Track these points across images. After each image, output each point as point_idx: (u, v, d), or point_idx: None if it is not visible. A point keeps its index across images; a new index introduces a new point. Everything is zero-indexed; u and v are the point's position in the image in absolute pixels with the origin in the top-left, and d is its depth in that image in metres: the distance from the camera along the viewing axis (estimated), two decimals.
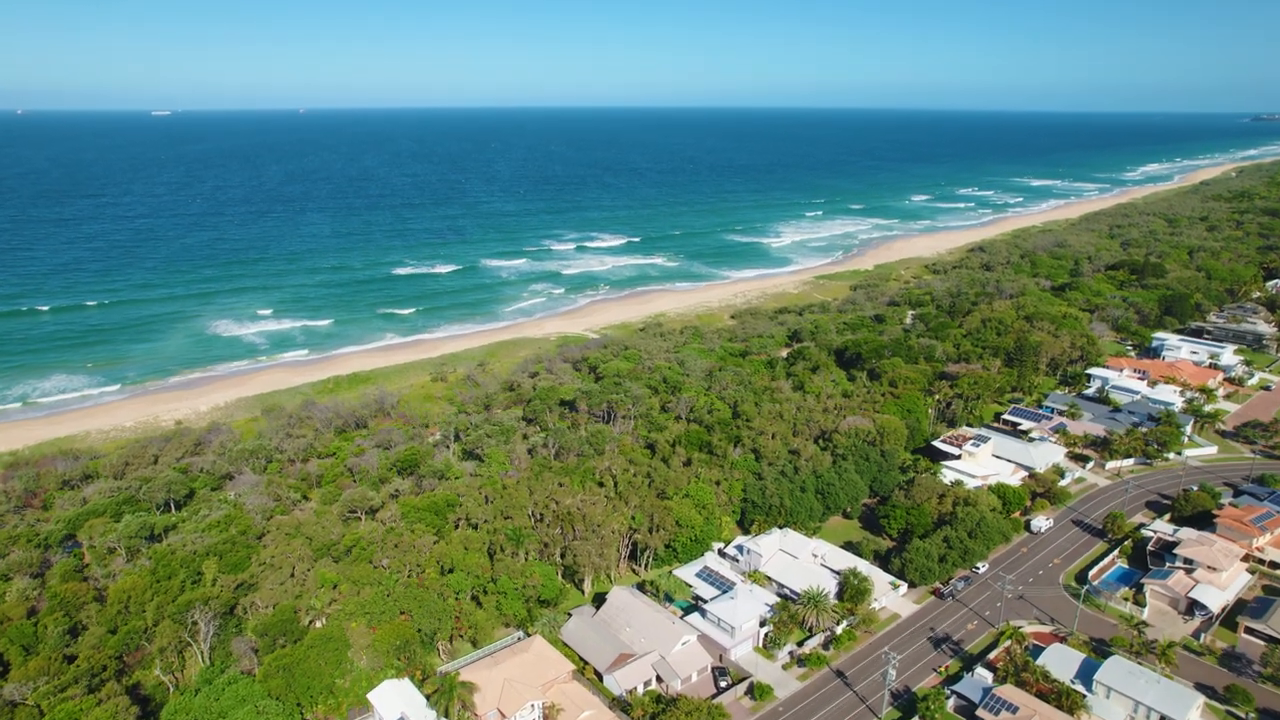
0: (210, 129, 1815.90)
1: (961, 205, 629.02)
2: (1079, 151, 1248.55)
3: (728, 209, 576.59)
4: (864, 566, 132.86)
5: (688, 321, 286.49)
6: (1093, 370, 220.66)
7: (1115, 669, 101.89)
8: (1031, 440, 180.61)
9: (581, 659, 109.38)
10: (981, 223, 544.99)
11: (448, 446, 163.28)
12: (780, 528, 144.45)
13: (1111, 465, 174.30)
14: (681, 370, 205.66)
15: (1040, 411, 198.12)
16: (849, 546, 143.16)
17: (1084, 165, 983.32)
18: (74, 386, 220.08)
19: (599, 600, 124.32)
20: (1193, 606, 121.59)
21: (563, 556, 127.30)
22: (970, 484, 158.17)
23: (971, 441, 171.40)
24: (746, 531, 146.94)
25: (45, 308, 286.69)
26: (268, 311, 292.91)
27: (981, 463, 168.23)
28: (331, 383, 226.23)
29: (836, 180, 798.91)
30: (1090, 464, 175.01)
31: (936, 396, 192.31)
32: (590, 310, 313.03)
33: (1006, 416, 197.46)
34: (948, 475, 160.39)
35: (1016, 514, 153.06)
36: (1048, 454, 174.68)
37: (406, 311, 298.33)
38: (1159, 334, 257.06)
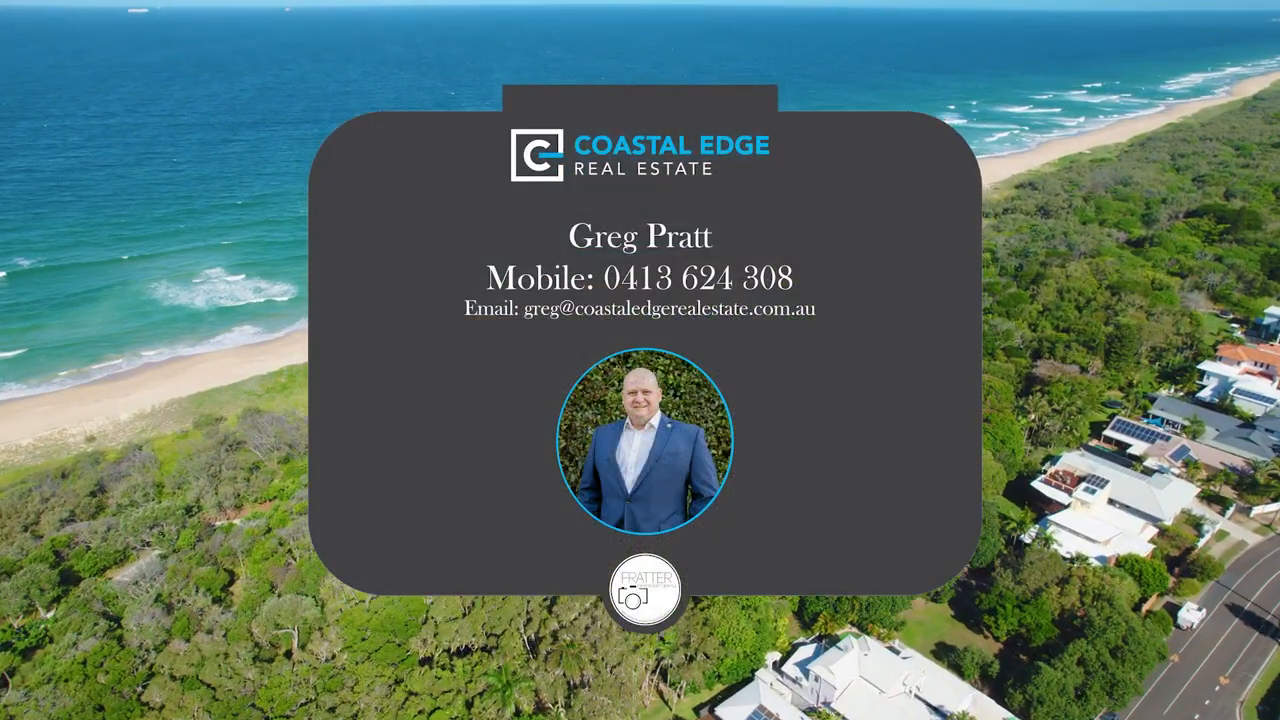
0: (186, 30, 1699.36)
1: (1002, 127, 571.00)
2: (1110, 59, 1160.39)
3: None
4: (971, 699, 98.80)
5: None
6: (1206, 365, 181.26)
7: None
8: (1150, 473, 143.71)
9: None
10: (1024, 149, 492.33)
11: None
12: (855, 625, 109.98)
13: (1259, 511, 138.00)
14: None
15: (1152, 426, 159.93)
16: (944, 651, 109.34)
17: (1119, 75, 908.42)
18: None
19: None
20: None
21: (568, 707, 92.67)
22: (1093, 554, 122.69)
23: (1084, 485, 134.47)
24: (807, 626, 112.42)
25: None
26: (218, 272, 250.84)
27: (1098, 515, 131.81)
28: (285, 376, 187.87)
29: (860, 94, 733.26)
30: (1232, 509, 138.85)
31: (1031, 416, 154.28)
32: None
33: (1110, 433, 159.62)
34: (1062, 540, 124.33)
35: (1153, 599, 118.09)
36: (1177, 496, 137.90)
37: None
38: (1271, 308, 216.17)
